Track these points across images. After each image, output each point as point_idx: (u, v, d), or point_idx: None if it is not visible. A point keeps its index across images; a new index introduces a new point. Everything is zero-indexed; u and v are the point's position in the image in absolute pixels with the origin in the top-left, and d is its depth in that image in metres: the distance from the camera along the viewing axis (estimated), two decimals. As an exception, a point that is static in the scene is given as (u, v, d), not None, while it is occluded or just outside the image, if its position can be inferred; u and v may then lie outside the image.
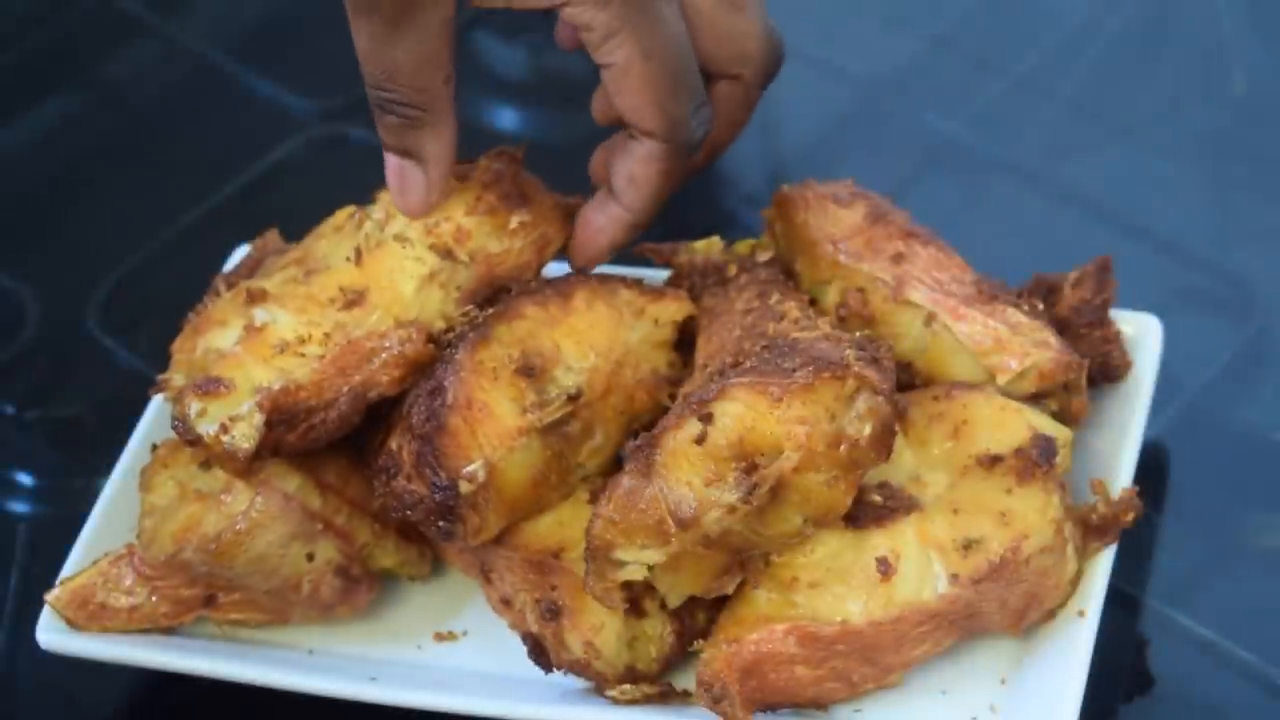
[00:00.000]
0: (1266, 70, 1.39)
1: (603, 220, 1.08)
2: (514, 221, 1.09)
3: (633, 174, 1.06)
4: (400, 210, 1.07)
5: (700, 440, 0.97)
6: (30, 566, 1.18)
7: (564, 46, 1.11)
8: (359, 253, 1.07)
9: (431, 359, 1.05)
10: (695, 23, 1.04)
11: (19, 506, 1.23)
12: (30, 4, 1.55)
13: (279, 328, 1.05)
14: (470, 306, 1.07)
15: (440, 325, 1.07)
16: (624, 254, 1.15)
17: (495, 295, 1.08)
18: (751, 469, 0.97)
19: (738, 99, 1.09)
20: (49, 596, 1.06)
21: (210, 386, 1.03)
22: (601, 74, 1.03)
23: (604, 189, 1.09)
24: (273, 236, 1.15)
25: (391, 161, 1.06)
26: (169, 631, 1.08)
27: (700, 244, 1.14)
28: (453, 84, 1.03)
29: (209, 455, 1.03)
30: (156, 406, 1.14)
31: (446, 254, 1.07)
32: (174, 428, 1.03)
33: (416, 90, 1.02)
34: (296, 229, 1.12)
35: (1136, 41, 1.42)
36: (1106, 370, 1.11)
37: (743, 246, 1.14)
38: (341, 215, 1.10)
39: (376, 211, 1.08)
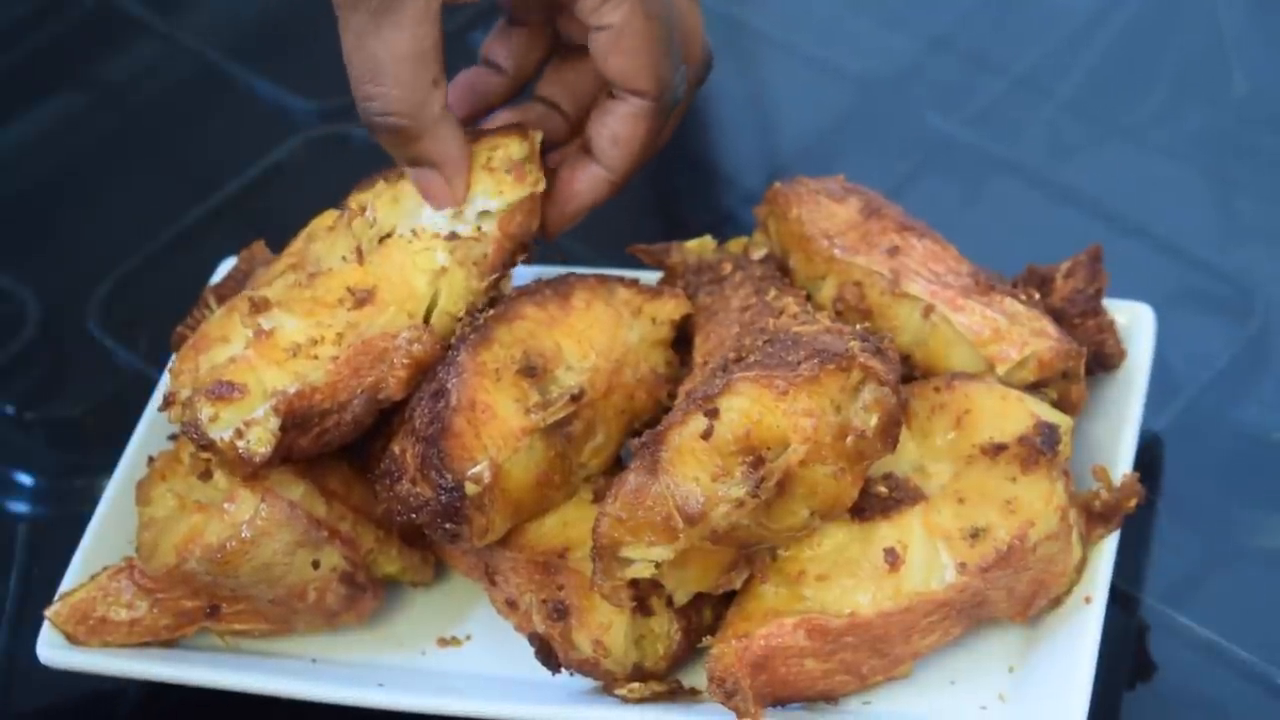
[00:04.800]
0: (1266, 70, 1.39)
1: (583, 181, 1.09)
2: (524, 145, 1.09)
3: (617, 134, 1.07)
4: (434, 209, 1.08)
5: (706, 435, 0.97)
6: (30, 567, 1.18)
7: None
8: (359, 252, 1.06)
9: (438, 361, 1.05)
10: None
11: (19, 506, 1.23)
12: (30, 4, 1.55)
13: (288, 332, 1.04)
14: (486, 281, 1.07)
15: (470, 300, 1.06)
16: (618, 255, 1.16)
17: (515, 259, 1.08)
18: (758, 463, 0.97)
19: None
20: (49, 612, 1.06)
21: (222, 391, 1.02)
22: (592, 37, 1.04)
23: (578, 150, 1.09)
24: (259, 248, 1.14)
25: (408, 171, 1.07)
26: (170, 644, 1.07)
27: (692, 244, 1.14)
28: (444, 87, 1.03)
29: (222, 461, 1.02)
30: (150, 418, 1.14)
31: (452, 236, 1.07)
32: (185, 433, 1.03)
33: (401, 92, 1.02)
34: (296, 229, 1.11)
35: (1136, 41, 1.42)
36: (1101, 359, 1.11)
37: (735, 245, 1.14)
38: (329, 217, 1.09)
39: (367, 210, 1.08)
